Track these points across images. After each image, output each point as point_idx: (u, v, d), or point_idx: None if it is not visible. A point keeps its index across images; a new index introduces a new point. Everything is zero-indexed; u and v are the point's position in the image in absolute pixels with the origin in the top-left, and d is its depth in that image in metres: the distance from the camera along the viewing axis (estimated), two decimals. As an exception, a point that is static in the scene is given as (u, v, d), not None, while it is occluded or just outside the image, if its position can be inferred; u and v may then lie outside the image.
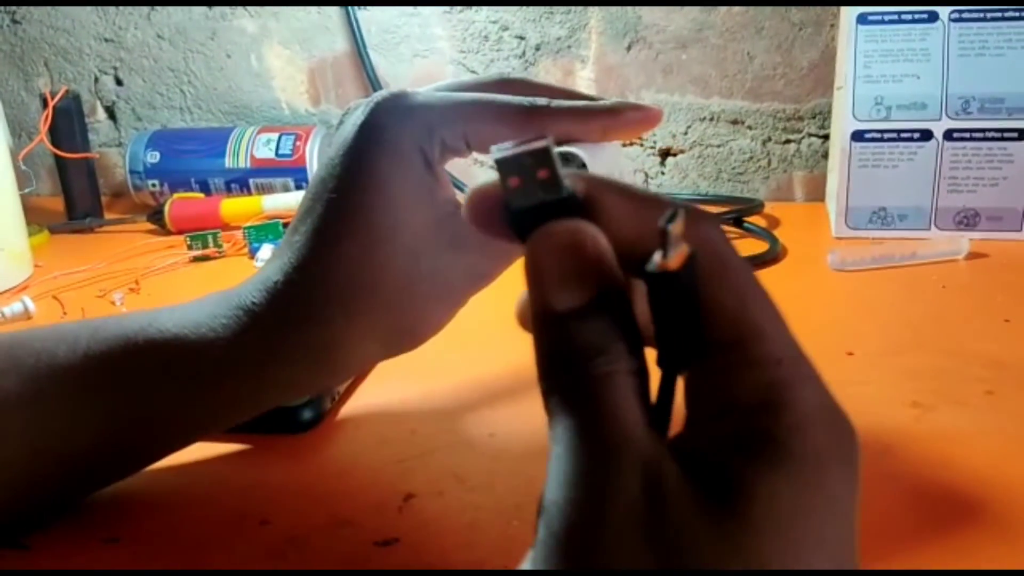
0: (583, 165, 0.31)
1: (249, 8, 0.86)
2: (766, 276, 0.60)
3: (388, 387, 0.45)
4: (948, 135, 0.65)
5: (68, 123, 0.80)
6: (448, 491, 0.34)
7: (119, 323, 0.32)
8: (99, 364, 0.31)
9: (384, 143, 0.31)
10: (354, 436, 0.40)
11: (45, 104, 0.79)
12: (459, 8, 0.81)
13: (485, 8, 0.80)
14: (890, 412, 0.41)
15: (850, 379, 0.44)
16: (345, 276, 0.31)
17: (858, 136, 0.66)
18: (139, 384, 0.31)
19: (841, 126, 0.66)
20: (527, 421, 0.40)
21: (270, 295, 0.31)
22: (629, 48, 0.79)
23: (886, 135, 0.65)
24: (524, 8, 0.80)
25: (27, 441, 0.30)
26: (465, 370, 0.47)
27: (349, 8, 0.82)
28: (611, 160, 0.33)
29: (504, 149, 0.21)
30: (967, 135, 0.64)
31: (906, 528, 0.32)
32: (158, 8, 0.88)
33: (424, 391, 0.44)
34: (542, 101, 0.31)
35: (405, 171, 0.31)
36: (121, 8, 0.88)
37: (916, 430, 0.39)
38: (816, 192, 0.79)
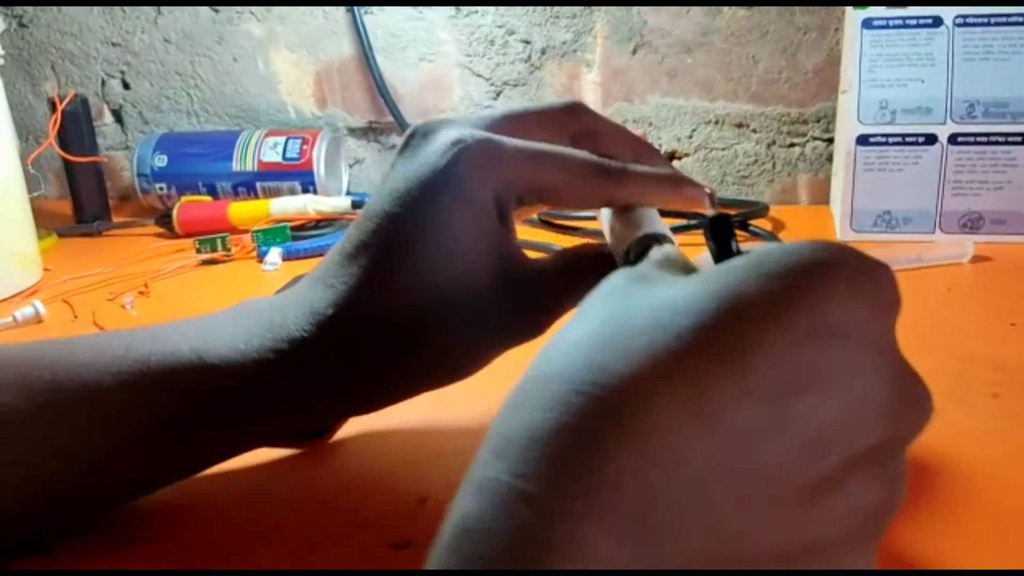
0: None
1: (256, 12, 0.86)
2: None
3: (399, 390, 0.45)
4: (953, 139, 0.65)
5: (76, 127, 0.81)
6: (462, 494, 0.35)
7: (163, 355, 0.30)
8: (145, 399, 0.30)
9: (463, 195, 0.30)
10: (367, 440, 0.40)
11: (53, 108, 0.79)
12: (465, 12, 0.81)
13: (491, 12, 0.81)
14: (898, 415, 0.41)
15: (857, 382, 0.44)
16: (399, 320, 0.30)
17: (863, 140, 0.66)
18: (184, 418, 0.31)
19: (846, 130, 0.67)
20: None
21: (319, 328, 0.30)
22: (634, 52, 0.80)
23: (891, 139, 0.66)
24: (530, 12, 0.80)
25: (57, 454, 0.30)
26: (479, 372, 0.47)
27: (356, 12, 0.82)
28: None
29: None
30: (971, 139, 0.65)
31: (911, 529, 0.32)
32: (165, 12, 0.88)
33: (436, 394, 0.45)
34: (618, 165, 0.32)
35: (479, 225, 0.30)
36: (128, 12, 0.89)
37: (923, 432, 0.39)
38: (820, 195, 0.80)
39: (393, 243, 0.30)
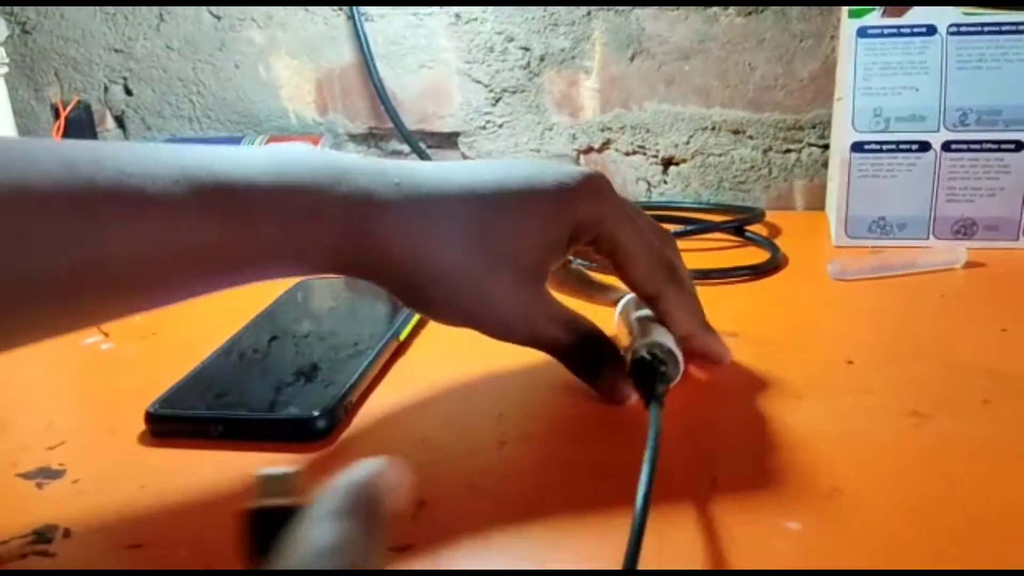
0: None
1: (257, 19, 0.87)
2: (768, 285, 0.62)
3: (400, 396, 0.46)
4: (946, 146, 0.66)
5: (80, 133, 0.81)
6: (460, 499, 0.35)
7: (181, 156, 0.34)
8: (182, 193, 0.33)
9: (567, 203, 0.40)
10: (367, 444, 0.41)
11: (57, 114, 0.80)
12: (465, 19, 0.82)
13: (491, 19, 0.81)
14: (890, 420, 0.42)
15: (851, 387, 0.45)
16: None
17: (858, 147, 0.67)
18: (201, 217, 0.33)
19: (841, 137, 0.67)
20: (537, 430, 0.41)
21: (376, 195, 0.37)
22: (632, 59, 0.80)
23: (885, 146, 0.66)
24: (529, 19, 0.81)
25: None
26: (475, 380, 0.48)
27: (356, 19, 0.83)
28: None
29: None
30: (965, 146, 0.66)
31: (904, 535, 0.33)
32: (167, 19, 0.89)
33: (435, 400, 0.45)
34: (684, 274, 0.45)
35: (551, 236, 0.40)
36: (131, 19, 0.90)
37: (915, 438, 0.40)
38: (816, 201, 0.80)
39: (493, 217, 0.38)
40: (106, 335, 0.58)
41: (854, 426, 0.41)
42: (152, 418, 0.42)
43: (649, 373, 0.40)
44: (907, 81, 0.66)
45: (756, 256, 0.65)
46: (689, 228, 0.71)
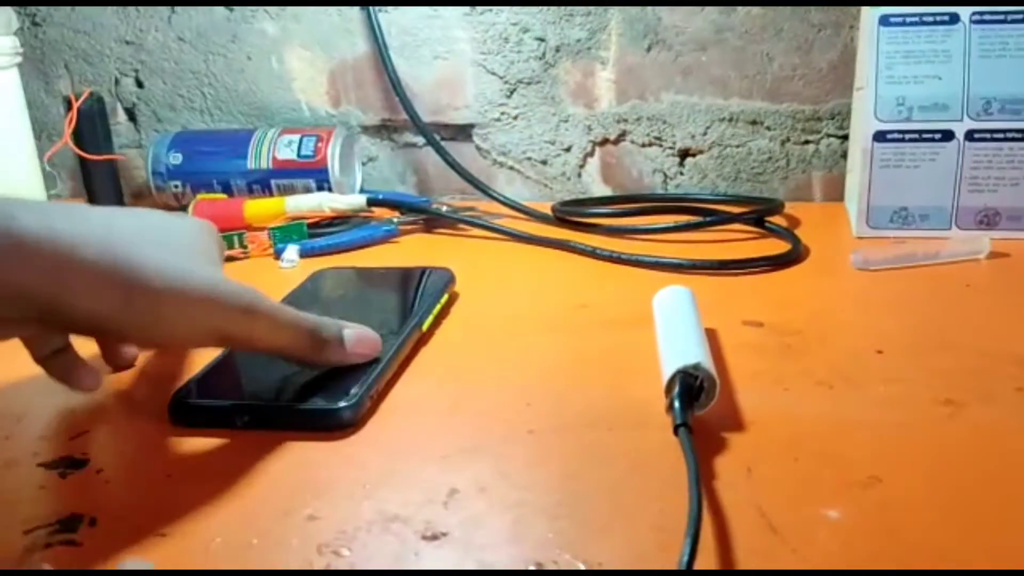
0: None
1: (270, 10, 0.86)
2: (790, 276, 0.61)
3: (424, 385, 0.45)
4: (969, 136, 0.65)
5: (92, 125, 0.81)
6: (491, 487, 0.35)
7: None
8: None
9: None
10: (394, 433, 0.40)
11: (69, 106, 0.79)
12: (480, 10, 0.81)
13: (506, 10, 0.81)
14: (924, 409, 0.41)
15: (881, 376, 0.44)
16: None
17: (880, 136, 0.66)
18: None
19: (862, 126, 0.67)
20: (565, 419, 0.41)
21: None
22: (649, 50, 0.80)
23: (908, 136, 0.66)
24: (544, 9, 0.80)
25: None
26: (500, 369, 0.47)
27: (370, 10, 0.82)
28: None
29: None
30: (988, 135, 0.65)
31: (944, 523, 0.33)
32: (179, 11, 0.88)
33: (461, 390, 0.45)
34: None
35: None
36: (142, 11, 0.89)
37: (950, 427, 0.40)
38: (834, 192, 0.80)
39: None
40: (123, 326, 0.58)
41: (888, 415, 0.41)
42: (176, 408, 0.42)
43: (688, 395, 0.39)
44: (930, 70, 0.65)
45: (776, 247, 0.65)
46: (708, 219, 0.70)
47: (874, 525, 0.33)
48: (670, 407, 0.38)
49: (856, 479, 0.35)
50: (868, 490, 0.35)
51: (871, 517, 0.33)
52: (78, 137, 0.80)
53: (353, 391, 0.41)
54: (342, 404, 0.40)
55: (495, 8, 0.81)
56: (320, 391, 0.41)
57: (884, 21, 0.65)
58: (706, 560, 0.30)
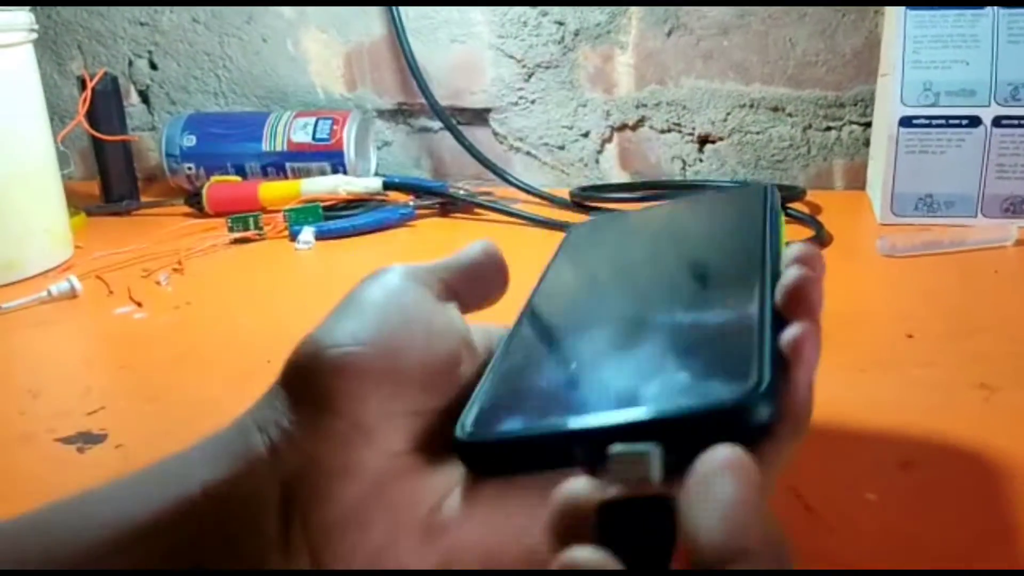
0: None
1: (286, -8, 0.85)
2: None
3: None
4: (996, 122, 0.64)
5: (106, 106, 0.80)
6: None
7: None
8: None
9: None
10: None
11: (83, 86, 0.79)
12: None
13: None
14: (958, 393, 0.40)
15: (914, 361, 0.44)
16: None
17: (906, 122, 0.65)
18: None
19: (888, 112, 0.66)
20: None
21: None
22: (669, 34, 0.79)
23: (934, 121, 0.65)
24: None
25: None
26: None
27: (387, -8, 0.81)
28: None
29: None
30: (1016, 122, 0.64)
31: (982, 506, 0.32)
32: (194, -8, 0.88)
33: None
34: None
35: None
36: (157, -9, 0.88)
37: (986, 410, 0.39)
38: (856, 180, 0.79)
39: None
40: (139, 305, 0.57)
41: (922, 399, 0.40)
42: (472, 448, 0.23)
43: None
44: (957, 55, 0.64)
45: (799, 233, 0.64)
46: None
47: (912, 507, 0.32)
48: None
49: (892, 461, 0.35)
50: (904, 472, 0.34)
51: (909, 499, 0.32)
52: (92, 118, 0.79)
53: (755, 372, 0.21)
54: (752, 393, 0.21)
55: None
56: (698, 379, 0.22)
57: (912, 5, 0.64)
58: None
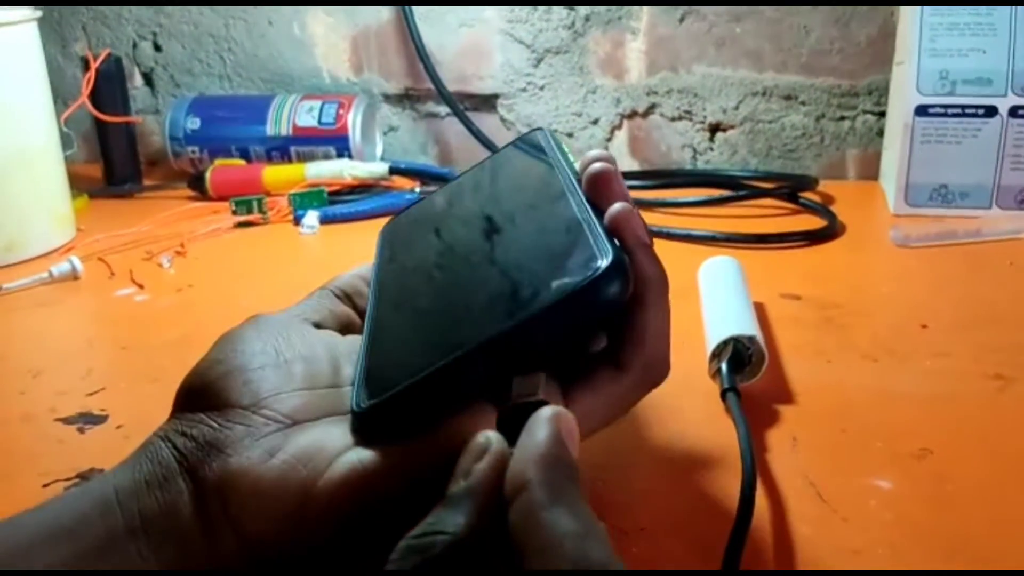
0: None
1: (293, -26, 0.84)
2: (826, 251, 0.59)
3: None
4: (1013, 112, 0.63)
5: (110, 87, 0.79)
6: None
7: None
8: None
9: None
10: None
11: (87, 67, 0.78)
12: (508, -24, 0.79)
13: (534, -23, 0.79)
14: (973, 383, 0.40)
15: (928, 351, 0.43)
16: None
17: (922, 111, 0.64)
18: None
19: (903, 101, 0.65)
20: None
21: None
22: (682, 20, 0.78)
23: (950, 110, 0.64)
24: (574, -23, 0.78)
25: None
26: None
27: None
28: None
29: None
30: (1033, 112, 0.63)
31: (997, 496, 0.31)
32: (200, -27, 0.87)
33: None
34: None
35: None
36: (163, -27, 0.87)
37: (1001, 400, 0.38)
38: (869, 171, 0.77)
39: None
40: (141, 287, 0.56)
41: (936, 388, 0.39)
42: (373, 412, 0.25)
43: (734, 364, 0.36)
44: (974, 43, 0.63)
45: (811, 223, 0.63)
46: (741, 193, 0.69)
47: (927, 496, 0.31)
48: (716, 373, 0.36)
49: (906, 451, 0.34)
50: (919, 461, 0.33)
51: (924, 488, 0.32)
52: (95, 99, 0.78)
53: (603, 250, 0.25)
54: (604, 264, 0.24)
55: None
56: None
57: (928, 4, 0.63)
58: (759, 525, 0.29)
